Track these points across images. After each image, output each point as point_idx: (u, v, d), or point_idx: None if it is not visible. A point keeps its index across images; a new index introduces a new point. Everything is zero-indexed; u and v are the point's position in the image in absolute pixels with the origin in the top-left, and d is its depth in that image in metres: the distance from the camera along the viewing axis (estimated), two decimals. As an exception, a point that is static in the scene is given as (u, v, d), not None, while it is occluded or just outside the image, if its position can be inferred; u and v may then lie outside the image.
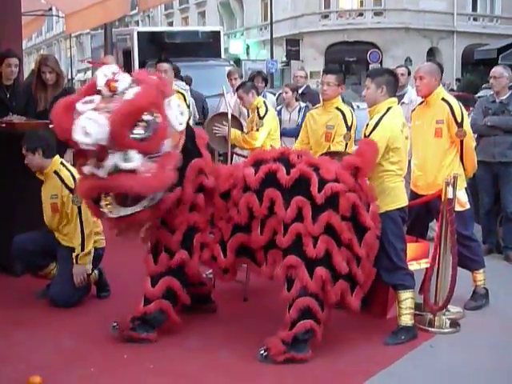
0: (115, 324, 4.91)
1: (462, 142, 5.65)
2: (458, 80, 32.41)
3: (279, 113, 8.27)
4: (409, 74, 8.51)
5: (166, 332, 4.99)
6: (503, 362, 4.71)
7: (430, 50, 37.11)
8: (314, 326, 4.62)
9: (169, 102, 4.57)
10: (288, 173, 4.68)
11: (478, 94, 20.95)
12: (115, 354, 4.74)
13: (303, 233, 4.57)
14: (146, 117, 4.35)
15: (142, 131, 4.33)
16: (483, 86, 28.43)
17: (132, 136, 4.29)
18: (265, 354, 4.62)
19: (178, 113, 4.62)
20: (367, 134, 4.98)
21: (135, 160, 4.30)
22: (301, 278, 4.55)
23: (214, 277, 5.55)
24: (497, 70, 7.30)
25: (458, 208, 5.43)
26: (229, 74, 9.43)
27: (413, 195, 5.82)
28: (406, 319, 5.02)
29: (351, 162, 4.77)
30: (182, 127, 4.70)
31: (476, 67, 33.61)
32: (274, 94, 12.55)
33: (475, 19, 38.79)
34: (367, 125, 5.05)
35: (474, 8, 39.14)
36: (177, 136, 4.64)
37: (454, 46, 37.77)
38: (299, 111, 8.21)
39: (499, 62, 26.80)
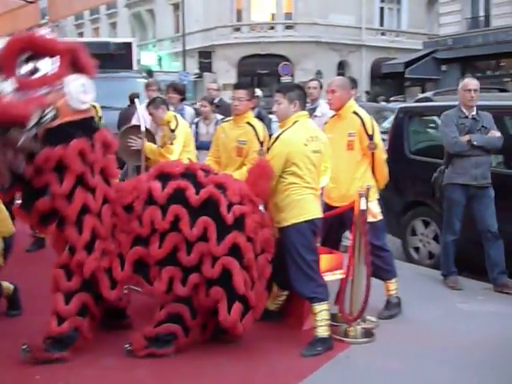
0: (25, 346, 4.71)
1: (373, 154, 5.76)
2: (367, 92, 33.16)
3: (196, 126, 8.22)
4: (321, 87, 8.62)
5: (79, 350, 4.84)
6: (416, 370, 4.79)
7: (339, 63, 37.85)
8: (179, 331, 4.78)
9: (76, 77, 4.60)
10: (197, 192, 4.72)
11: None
12: (26, 375, 4.55)
13: (205, 253, 4.65)
14: (41, 63, 4.52)
15: (28, 69, 4.51)
16: (391, 98, 29.27)
17: (18, 70, 4.49)
18: (129, 348, 4.81)
19: (80, 88, 4.58)
20: (269, 148, 5.10)
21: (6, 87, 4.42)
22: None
23: (129, 292, 5.44)
24: (474, 83, 6.76)
25: (370, 219, 5.52)
26: (147, 86, 9.30)
27: (327, 207, 5.89)
28: (322, 331, 5.05)
29: (248, 191, 4.89)
30: (81, 106, 4.62)
31: (384, 80, 34.52)
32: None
33: (383, 34, 39.82)
34: (270, 138, 5.14)
35: (382, 23, 40.21)
36: (69, 111, 4.57)
37: (363, 59, 38.65)
38: (216, 124, 8.20)
39: (406, 75, 27.64)
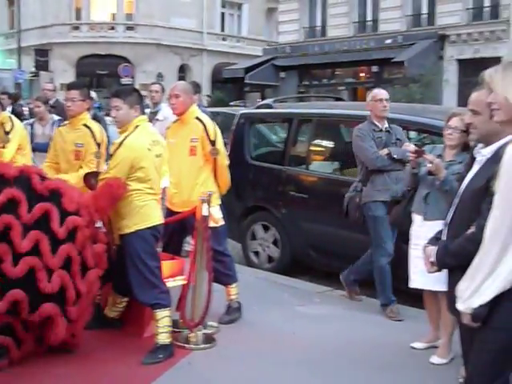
0: None
1: (215, 160, 5.78)
2: (208, 96, 33.43)
3: (32, 126, 7.90)
4: (163, 90, 8.56)
5: None
6: (258, 373, 4.86)
7: (181, 66, 37.87)
8: (10, 343, 4.58)
9: None
10: (31, 202, 4.53)
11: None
12: None
13: (38, 267, 4.46)
14: None
15: None
16: (231, 103, 29.68)
17: None
18: None
19: None
20: (112, 154, 4.96)
21: None
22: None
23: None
24: (384, 92, 6.43)
25: (212, 224, 5.54)
26: None
27: (168, 213, 5.85)
28: (164, 337, 5.00)
29: (88, 202, 4.79)
30: None
31: (225, 85, 34.93)
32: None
33: (224, 39, 40.31)
34: (113, 144, 5.02)
35: (223, 28, 40.70)
36: None
37: (204, 63, 38.91)
38: (52, 125, 7.91)
39: (246, 80, 28.13)
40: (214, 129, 5.75)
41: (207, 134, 5.69)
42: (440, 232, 3.45)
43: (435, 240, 3.41)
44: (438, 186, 5.16)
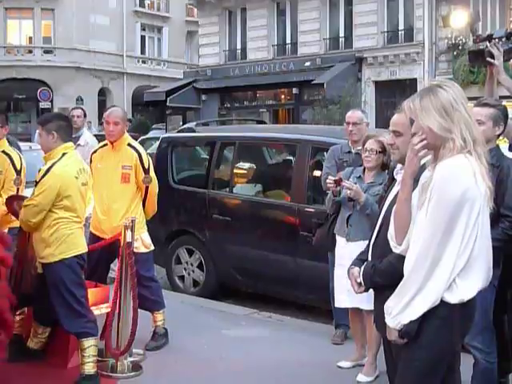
0: None
1: (147, 187, 5.77)
2: (129, 120, 33.17)
3: None
4: (84, 115, 8.45)
5: None
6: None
7: (101, 89, 37.46)
8: None
9: None
10: None
11: (148, 136, 21.69)
12: None
13: None
14: None
15: None
16: (153, 126, 29.50)
17: None
18: None
19: None
20: (38, 180, 4.87)
21: None
22: None
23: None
24: (355, 115, 6.11)
25: (143, 249, 5.54)
26: None
27: (94, 239, 5.77)
28: (89, 367, 4.90)
29: None
30: None
31: (146, 108, 34.73)
32: None
33: (144, 62, 40.15)
34: (39, 170, 4.93)
35: (143, 51, 40.55)
36: None
37: (125, 86, 38.59)
38: None
39: (168, 103, 28.04)
40: (147, 156, 5.74)
41: (141, 162, 5.67)
42: (362, 253, 3.52)
43: (359, 261, 3.46)
44: (359, 209, 5.27)
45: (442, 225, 2.84)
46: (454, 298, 2.87)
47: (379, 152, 5.23)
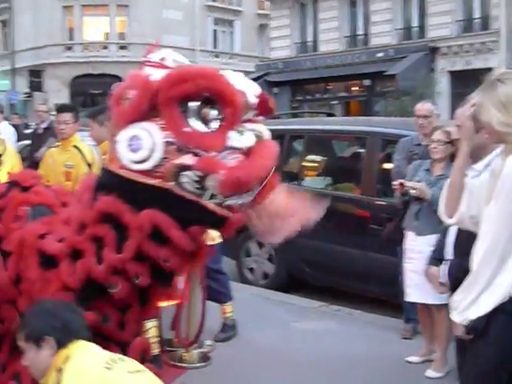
0: None
1: None
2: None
3: None
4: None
5: None
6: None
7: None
8: None
9: None
10: None
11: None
12: None
13: None
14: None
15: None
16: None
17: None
18: None
19: None
20: None
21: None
22: None
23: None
24: (425, 108, 6.04)
25: (209, 242, 5.56)
26: None
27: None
28: (153, 348, 4.99)
29: None
30: None
31: (218, 102, 35.01)
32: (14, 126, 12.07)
33: (216, 56, 40.44)
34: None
35: (215, 45, 40.85)
36: None
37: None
38: None
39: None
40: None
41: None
42: (436, 251, 3.45)
43: (435, 261, 3.40)
44: (427, 206, 5.19)
45: (511, 218, 2.77)
46: None
47: (447, 143, 5.13)
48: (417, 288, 5.17)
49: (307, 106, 27.47)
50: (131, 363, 2.78)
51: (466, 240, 3.16)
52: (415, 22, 25.47)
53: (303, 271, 7.68)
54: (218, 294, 5.83)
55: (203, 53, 39.38)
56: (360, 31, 27.05)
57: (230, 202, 2.90)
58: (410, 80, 22.33)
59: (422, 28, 25.09)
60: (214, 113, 2.88)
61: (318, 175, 8.58)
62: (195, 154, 2.84)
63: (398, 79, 22.65)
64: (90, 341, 2.82)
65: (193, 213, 2.86)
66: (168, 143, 2.84)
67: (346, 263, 7.12)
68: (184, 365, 5.29)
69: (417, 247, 5.19)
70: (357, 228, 7.12)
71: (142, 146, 2.85)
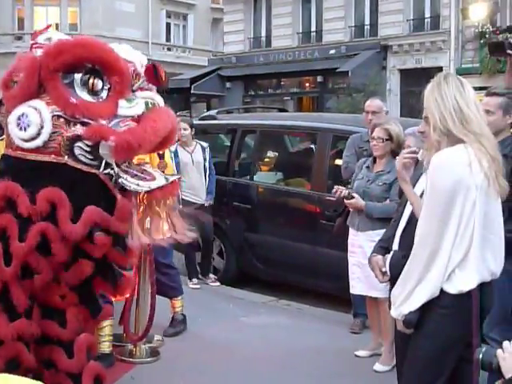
0: None
1: None
2: (154, 107, 33.21)
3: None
4: None
5: None
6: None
7: (126, 76, 37.58)
8: None
9: None
10: None
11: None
12: None
13: None
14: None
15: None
16: (177, 113, 29.49)
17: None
18: None
19: None
20: None
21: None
22: None
23: None
24: (374, 104, 6.14)
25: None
26: None
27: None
28: (105, 346, 4.96)
29: None
30: None
31: (170, 95, 34.81)
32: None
33: (169, 49, 40.14)
34: None
35: (168, 38, 40.56)
36: None
37: (150, 74, 38.61)
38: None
39: (192, 91, 28.10)
40: None
41: None
42: (383, 240, 3.48)
43: (381, 249, 3.42)
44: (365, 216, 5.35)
45: (437, 215, 2.83)
46: (453, 289, 2.86)
47: (386, 140, 5.24)
48: (359, 281, 5.38)
49: (260, 101, 27.47)
50: None
51: (412, 233, 3.20)
52: (367, 20, 25.66)
53: (254, 266, 7.69)
54: (167, 288, 5.80)
55: (156, 46, 39.07)
56: (313, 28, 27.13)
57: (127, 181, 2.94)
58: (362, 77, 22.51)
59: (374, 26, 25.30)
60: (101, 83, 2.94)
61: (269, 170, 8.62)
62: (84, 124, 2.87)
63: (350, 76, 22.80)
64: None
65: (91, 187, 2.90)
66: (56, 117, 2.87)
67: (297, 258, 7.15)
68: (133, 360, 5.24)
69: (357, 242, 5.40)
70: (307, 223, 7.17)
71: (30, 122, 2.87)
